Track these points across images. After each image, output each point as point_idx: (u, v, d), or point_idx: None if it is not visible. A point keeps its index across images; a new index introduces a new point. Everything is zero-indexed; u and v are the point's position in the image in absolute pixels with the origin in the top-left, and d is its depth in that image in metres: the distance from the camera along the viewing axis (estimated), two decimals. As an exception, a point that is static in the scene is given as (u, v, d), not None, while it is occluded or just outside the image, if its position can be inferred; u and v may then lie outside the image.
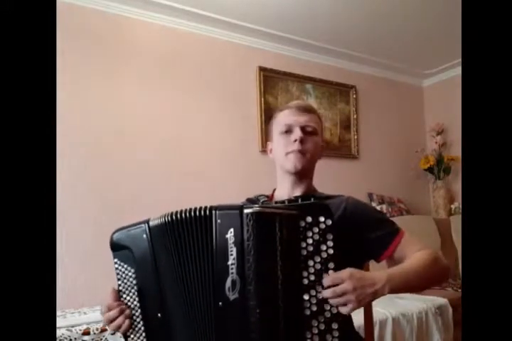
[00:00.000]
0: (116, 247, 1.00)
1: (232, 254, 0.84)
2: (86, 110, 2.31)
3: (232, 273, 0.83)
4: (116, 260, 0.99)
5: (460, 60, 3.27)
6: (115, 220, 2.30)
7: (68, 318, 1.78)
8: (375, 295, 0.84)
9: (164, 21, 2.60)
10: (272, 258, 0.83)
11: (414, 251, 1.00)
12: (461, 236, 0.77)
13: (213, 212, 0.87)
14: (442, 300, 2.33)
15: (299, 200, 0.95)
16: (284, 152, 1.12)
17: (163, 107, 2.56)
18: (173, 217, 0.91)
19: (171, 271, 0.91)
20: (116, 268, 0.99)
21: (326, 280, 0.82)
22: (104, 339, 1.65)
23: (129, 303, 0.97)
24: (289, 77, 3.05)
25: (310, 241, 0.83)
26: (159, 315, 0.93)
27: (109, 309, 0.97)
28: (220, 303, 0.84)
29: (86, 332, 1.62)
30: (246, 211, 0.84)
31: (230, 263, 0.84)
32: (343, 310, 0.81)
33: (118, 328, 0.96)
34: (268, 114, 2.92)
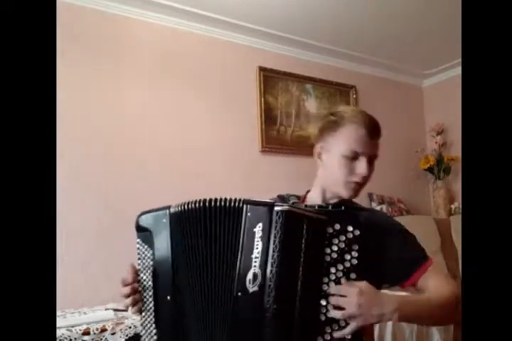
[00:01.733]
0: (139, 228, 1.03)
1: (257, 248, 0.85)
2: (86, 110, 2.31)
3: (254, 266, 0.84)
4: (138, 240, 1.02)
5: (460, 60, 3.27)
6: (115, 220, 2.31)
7: (68, 318, 1.78)
8: (381, 318, 0.83)
9: (164, 21, 2.60)
10: (295, 258, 0.83)
11: (436, 283, 0.96)
12: (461, 236, 0.77)
13: (245, 205, 0.88)
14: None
15: (330, 207, 0.94)
16: (344, 179, 1.04)
17: (163, 107, 2.56)
18: (200, 204, 0.92)
19: (192, 256, 0.92)
20: (138, 248, 1.02)
21: (335, 289, 0.83)
22: (104, 339, 1.65)
23: (144, 282, 0.99)
24: (289, 77, 3.05)
25: (335, 248, 0.84)
26: (168, 297, 0.94)
27: (124, 285, 1.00)
28: (239, 294, 0.85)
29: (86, 332, 1.62)
30: (276, 208, 0.85)
31: (254, 256, 0.85)
32: (345, 330, 0.81)
33: (130, 305, 0.99)
34: (268, 114, 2.92)
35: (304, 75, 3.11)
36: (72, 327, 1.64)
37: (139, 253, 1.02)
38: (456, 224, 3.09)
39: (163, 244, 0.97)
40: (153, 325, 0.97)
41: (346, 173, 1.04)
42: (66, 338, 1.57)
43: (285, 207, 0.85)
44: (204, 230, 0.91)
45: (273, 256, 0.83)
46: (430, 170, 3.53)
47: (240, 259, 0.86)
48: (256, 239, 0.85)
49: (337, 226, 0.84)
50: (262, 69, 2.92)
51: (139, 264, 1.02)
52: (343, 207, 0.93)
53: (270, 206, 0.86)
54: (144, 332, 0.99)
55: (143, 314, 0.99)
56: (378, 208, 3.13)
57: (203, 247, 0.90)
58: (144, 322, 0.99)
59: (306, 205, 1.05)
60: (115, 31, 2.45)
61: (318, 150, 1.11)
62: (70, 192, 2.19)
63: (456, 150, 3.49)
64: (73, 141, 2.23)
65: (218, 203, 0.91)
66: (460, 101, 0.79)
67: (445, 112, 3.57)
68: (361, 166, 1.03)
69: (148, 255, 1.00)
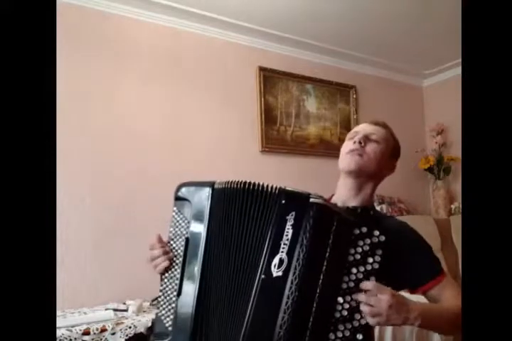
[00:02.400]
0: (178, 198, 1.05)
1: (287, 235, 0.87)
2: (86, 110, 2.31)
3: (282, 251, 0.86)
4: (175, 208, 1.05)
5: (460, 60, 3.27)
6: (115, 220, 2.31)
7: (68, 318, 1.78)
8: (405, 321, 0.85)
9: (164, 21, 2.60)
10: (321, 251, 0.85)
11: (452, 295, 0.99)
12: (461, 236, 0.77)
13: (281, 192, 0.91)
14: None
15: (359, 210, 0.97)
16: (343, 153, 1.13)
17: (163, 107, 2.56)
18: (241, 185, 0.95)
19: (225, 233, 0.95)
20: (173, 216, 1.04)
21: (367, 284, 0.84)
22: (104, 339, 1.65)
23: (173, 250, 1.02)
24: (289, 77, 3.05)
25: (359, 249, 0.85)
26: (196, 269, 0.96)
27: (153, 248, 1.03)
28: (263, 276, 0.87)
29: (86, 332, 1.62)
30: (311, 200, 0.87)
31: (282, 242, 0.87)
32: (370, 320, 0.82)
33: (156, 267, 1.01)
34: (268, 114, 2.92)
35: (303, 75, 3.10)
36: (72, 327, 1.64)
37: (172, 221, 1.04)
38: (456, 224, 3.09)
39: (200, 216, 0.99)
40: (174, 293, 0.98)
41: (345, 146, 1.14)
42: (66, 338, 1.57)
43: (320, 200, 0.88)
44: (240, 210, 0.94)
45: (301, 245, 0.85)
46: (430, 170, 3.53)
47: (269, 243, 0.88)
48: (287, 227, 0.87)
49: (364, 229, 0.86)
50: (262, 69, 2.92)
51: (170, 232, 1.04)
52: (371, 212, 0.97)
53: (306, 197, 0.88)
54: (162, 297, 0.99)
55: (165, 280, 1.00)
56: (378, 208, 3.14)
57: (237, 226, 0.93)
58: (165, 287, 1.00)
59: (336, 204, 1.07)
60: (115, 31, 2.45)
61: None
62: (70, 192, 2.19)
63: (456, 150, 3.49)
64: (73, 141, 2.23)
65: (257, 187, 0.93)
66: (460, 101, 0.79)
67: (445, 112, 3.57)
68: (356, 137, 1.12)
69: (183, 224, 1.02)
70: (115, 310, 1.90)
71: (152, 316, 1.81)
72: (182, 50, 2.66)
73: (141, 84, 2.50)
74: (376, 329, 1.99)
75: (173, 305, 0.97)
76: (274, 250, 0.87)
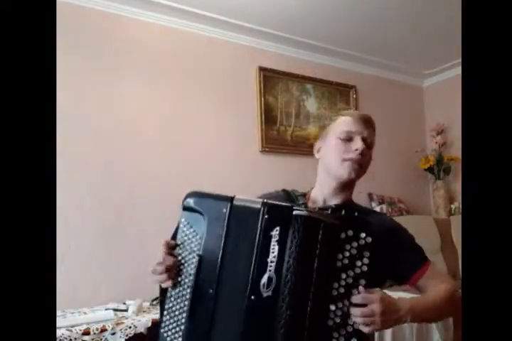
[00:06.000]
0: (189, 208, 0.95)
1: (273, 252, 0.85)
2: (86, 110, 2.31)
3: (270, 270, 0.85)
4: (183, 220, 0.95)
5: (460, 60, 3.27)
6: (115, 220, 2.31)
7: (68, 318, 1.78)
8: (398, 321, 0.87)
9: (164, 21, 2.60)
10: (310, 264, 0.84)
11: (437, 283, 1.02)
12: (461, 236, 0.77)
13: (263, 206, 0.88)
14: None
15: (343, 211, 0.95)
16: (341, 158, 1.07)
17: (163, 107, 2.56)
18: (236, 202, 0.91)
19: (234, 253, 0.90)
20: (181, 228, 0.95)
21: (357, 298, 0.83)
22: (104, 339, 1.65)
23: (182, 267, 0.93)
24: (289, 77, 3.05)
25: (347, 254, 0.85)
26: (211, 290, 0.89)
27: (162, 263, 0.92)
28: (253, 297, 0.85)
29: (86, 332, 1.62)
30: (295, 212, 0.86)
31: (269, 260, 0.85)
32: (365, 329, 0.83)
33: (161, 282, 0.93)
34: (268, 114, 2.92)
35: (303, 75, 3.10)
36: (72, 327, 1.64)
37: (180, 234, 0.95)
38: (456, 224, 3.09)
39: (217, 233, 0.91)
40: (183, 314, 0.91)
41: (342, 151, 1.07)
42: (66, 338, 1.57)
43: (304, 212, 0.86)
44: (227, 229, 0.90)
45: (288, 261, 0.84)
46: (430, 170, 3.53)
47: (255, 262, 0.86)
48: (273, 243, 0.85)
49: (350, 233, 0.85)
50: (262, 69, 2.92)
51: (178, 245, 0.95)
52: (356, 213, 0.94)
53: (289, 209, 0.87)
54: (168, 317, 0.92)
55: (171, 298, 0.92)
56: (378, 208, 3.13)
57: (225, 247, 0.90)
58: (171, 307, 0.92)
59: (320, 208, 1.07)
60: (115, 31, 2.45)
61: (317, 146, 1.16)
62: (70, 192, 2.19)
63: (456, 150, 3.49)
64: (73, 141, 2.23)
65: (239, 203, 0.91)
66: (460, 101, 0.79)
67: (445, 112, 3.57)
68: (356, 143, 1.06)
69: (193, 239, 0.94)
70: (115, 310, 1.90)
71: (152, 316, 1.81)
72: (182, 50, 2.66)
73: (141, 84, 2.50)
74: (376, 329, 1.99)
75: (182, 326, 0.91)
76: (262, 269, 0.85)
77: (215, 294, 0.89)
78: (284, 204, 0.92)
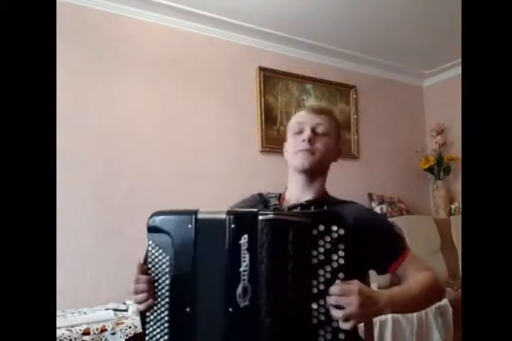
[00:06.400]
0: (154, 229, 0.94)
1: (244, 261, 0.84)
2: (86, 109, 2.31)
3: (243, 279, 0.83)
4: (150, 242, 0.94)
5: (460, 60, 3.27)
6: (115, 220, 2.31)
7: (68, 318, 1.78)
8: (377, 313, 0.86)
9: (164, 21, 2.60)
10: (283, 266, 0.83)
11: (416, 271, 1.00)
12: (461, 236, 0.77)
13: (228, 216, 0.87)
14: (442, 301, 2.33)
15: (312, 207, 0.93)
16: (293, 151, 1.12)
17: (163, 107, 2.56)
18: (200, 216, 0.90)
19: (208, 269, 0.89)
20: (149, 251, 0.94)
21: (334, 289, 0.82)
22: (104, 339, 1.65)
23: (157, 290, 0.92)
24: (289, 77, 3.05)
25: (321, 250, 0.83)
26: (188, 309, 0.88)
27: (138, 283, 0.94)
28: (231, 309, 0.84)
29: (86, 332, 1.62)
30: (260, 217, 0.84)
31: (242, 269, 0.84)
32: (345, 325, 0.81)
33: (139, 303, 0.93)
34: (268, 114, 2.92)
35: (303, 75, 3.10)
36: (72, 327, 1.64)
37: (150, 257, 0.94)
38: (456, 224, 3.09)
39: (185, 252, 0.90)
40: (165, 337, 0.90)
41: (294, 144, 1.12)
42: (66, 338, 1.57)
43: (269, 216, 0.84)
44: (194, 245, 0.89)
45: (261, 268, 0.83)
46: (430, 170, 3.53)
47: (228, 273, 0.85)
48: (243, 252, 0.84)
49: (321, 228, 0.83)
50: (262, 69, 2.92)
51: (150, 269, 0.95)
52: (325, 207, 0.92)
53: (253, 215, 0.85)
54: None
55: (151, 323, 0.92)
56: (378, 208, 3.13)
57: (196, 263, 0.89)
58: (152, 331, 0.92)
59: (289, 207, 1.07)
60: (115, 31, 2.45)
61: (285, 148, 1.20)
62: (70, 191, 2.19)
63: (456, 150, 3.49)
64: (73, 141, 2.23)
65: (203, 215, 0.89)
66: (460, 101, 0.79)
67: (445, 112, 3.57)
68: (304, 134, 1.10)
69: (164, 260, 0.92)
70: (115, 310, 1.90)
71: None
72: (182, 50, 2.66)
73: (141, 84, 2.50)
74: (376, 329, 1.99)
75: None
76: (235, 279, 0.83)
77: (192, 313, 0.88)
78: (248, 210, 0.90)
